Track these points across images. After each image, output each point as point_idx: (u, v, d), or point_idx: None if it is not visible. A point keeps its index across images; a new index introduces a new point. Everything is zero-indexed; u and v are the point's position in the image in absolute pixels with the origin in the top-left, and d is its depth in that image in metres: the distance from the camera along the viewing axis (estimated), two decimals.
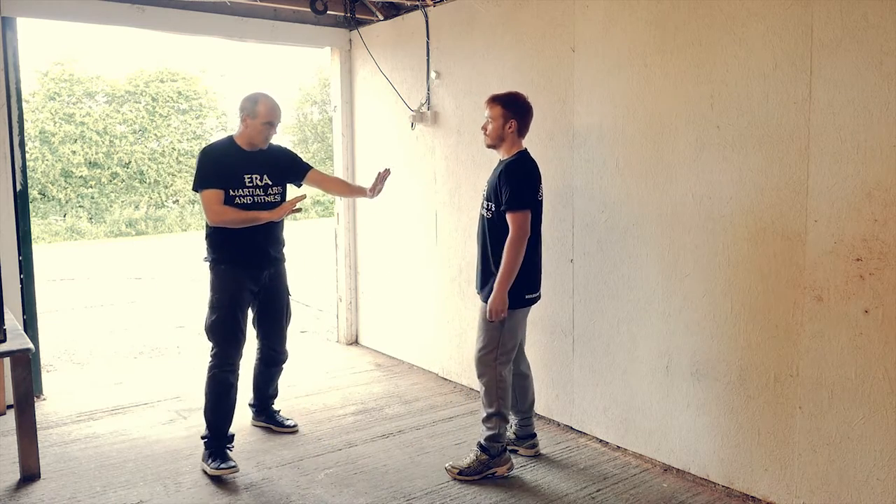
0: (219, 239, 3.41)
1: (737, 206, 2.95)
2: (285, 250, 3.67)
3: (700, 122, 3.05)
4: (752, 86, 2.85)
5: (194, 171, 3.40)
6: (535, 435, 3.58)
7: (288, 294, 3.75)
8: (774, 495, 2.92)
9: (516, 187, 3.10)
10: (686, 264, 3.17)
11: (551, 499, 3.09)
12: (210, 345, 3.42)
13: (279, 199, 3.55)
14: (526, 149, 3.27)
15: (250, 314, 3.63)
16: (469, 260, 4.44)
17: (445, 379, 4.75)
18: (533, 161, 3.25)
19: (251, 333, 3.61)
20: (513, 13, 3.98)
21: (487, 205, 3.24)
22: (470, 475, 3.25)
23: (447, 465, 3.35)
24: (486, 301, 3.22)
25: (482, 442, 3.28)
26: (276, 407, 3.99)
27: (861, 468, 2.64)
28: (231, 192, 3.36)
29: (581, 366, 3.75)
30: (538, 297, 3.34)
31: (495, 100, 3.24)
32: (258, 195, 3.44)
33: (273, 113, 3.41)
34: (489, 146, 3.31)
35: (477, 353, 3.28)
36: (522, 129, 3.25)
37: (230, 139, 3.48)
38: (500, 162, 3.27)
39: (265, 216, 3.37)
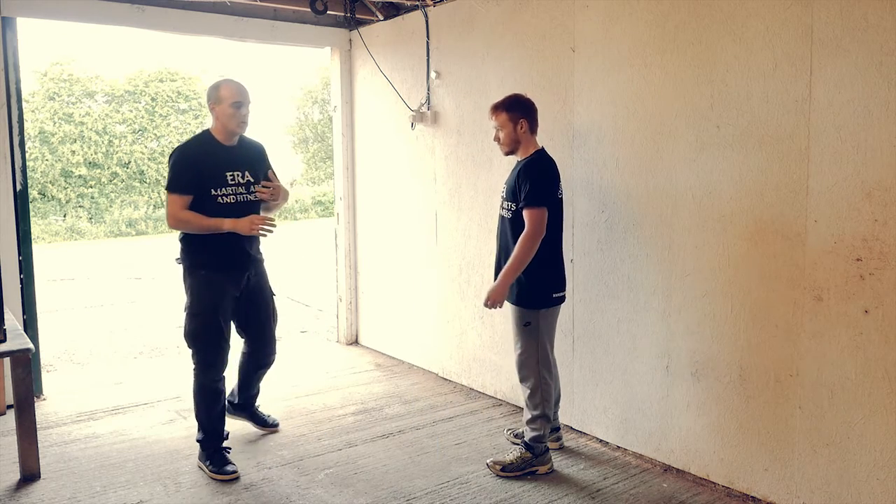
0: (195, 241, 3.24)
1: (737, 206, 2.95)
2: (262, 248, 3.50)
3: (700, 122, 3.05)
4: (752, 86, 2.86)
5: (168, 169, 3.22)
6: (559, 428, 3.65)
7: (272, 294, 3.57)
8: (774, 495, 2.92)
9: (533, 185, 3.15)
10: (686, 264, 3.17)
11: (551, 499, 3.09)
12: (191, 351, 3.31)
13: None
14: (543, 147, 3.32)
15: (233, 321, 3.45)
16: (469, 260, 4.44)
17: (445, 379, 4.75)
18: (551, 159, 3.29)
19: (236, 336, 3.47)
20: (513, 13, 3.98)
21: (507, 205, 3.28)
22: (513, 471, 3.29)
23: (489, 461, 3.39)
24: (513, 303, 3.28)
25: (528, 441, 3.33)
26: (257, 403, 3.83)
27: (861, 468, 2.64)
28: (213, 192, 3.19)
29: (581, 366, 3.75)
30: (564, 297, 3.37)
31: (498, 108, 3.27)
32: (241, 193, 3.27)
33: (238, 92, 3.20)
34: (508, 153, 3.33)
35: (518, 357, 3.33)
36: (534, 126, 3.29)
37: (207, 134, 3.30)
38: (518, 162, 3.31)
39: (228, 225, 3.16)
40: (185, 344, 3.32)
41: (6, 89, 4.13)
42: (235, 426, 3.75)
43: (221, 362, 3.33)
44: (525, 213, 3.14)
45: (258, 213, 3.36)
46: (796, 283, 2.78)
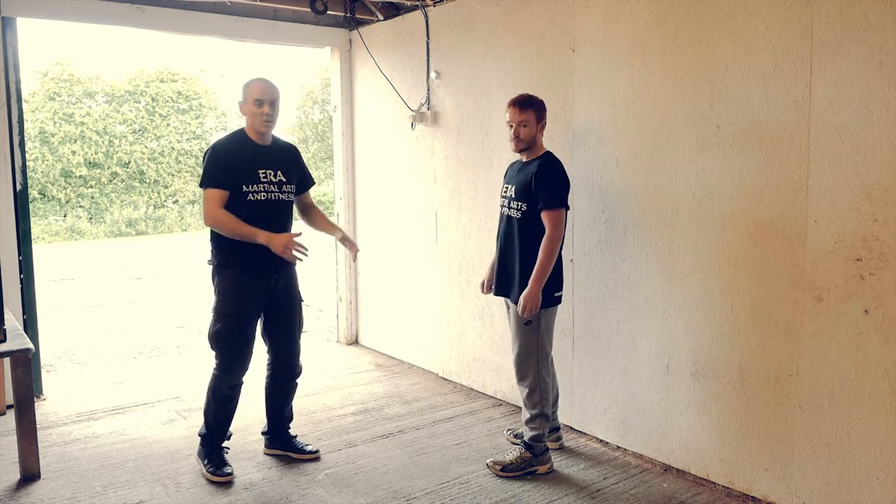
0: (226, 241, 3.20)
1: (737, 206, 2.95)
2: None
3: (700, 122, 3.05)
4: (752, 86, 2.86)
5: (202, 167, 3.24)
6: (559, 428, 3.65)
7: (301, 300, 3.48)
8: (774, 495, 2.92)
9: (554, 187, 3.17)
10: (686, 264, 3.17)
11: (551, 499, 3.09)
12: (214, 353, 3.28)
13: (293, 197, 3.38)
14: (548, 149, 3.35)
15: (259, 324, 3.39)
16: (469, 260, 4.44)
17: (445, 379, 4.75)
18: (561, 162, 3.32)
19: (260, 345, 3.42)
20: (513, 13, 3.98)
21: (518, 205, 3.27)
22: (512, 471, 3.30)
23: (489, 461, 3.39)
24: (514, 301, 3.27)
25: (527, 441, 3.33)
26: (292, 431, 3.61)
27: (861, 468, 2.64)
28: (244, 188, 3.18)
29: (581, 366, 3.75)
30: (562, 297, 3.38)
31: (528, 104, 3.25)
32: (272, 192, 3.25)
33: (260, 90, 3.20)
34: (521, 150, 3.32)
35: (516, 357, 3.33)
36: (544, 129, 3.36)
37: (241, 132, 3.32)
38: (526, 162, 3.32)
39: (262, 238, 3.10)
40: (206, 344, 3.28)
41: (6, 89, 4.13)
42: (237, 426, 3.74)
43: (242, 366, 3.28)
44: (545, 215, 3.15)
45: (290, 213, 3.36)
46: (796, 283, 2.77)
